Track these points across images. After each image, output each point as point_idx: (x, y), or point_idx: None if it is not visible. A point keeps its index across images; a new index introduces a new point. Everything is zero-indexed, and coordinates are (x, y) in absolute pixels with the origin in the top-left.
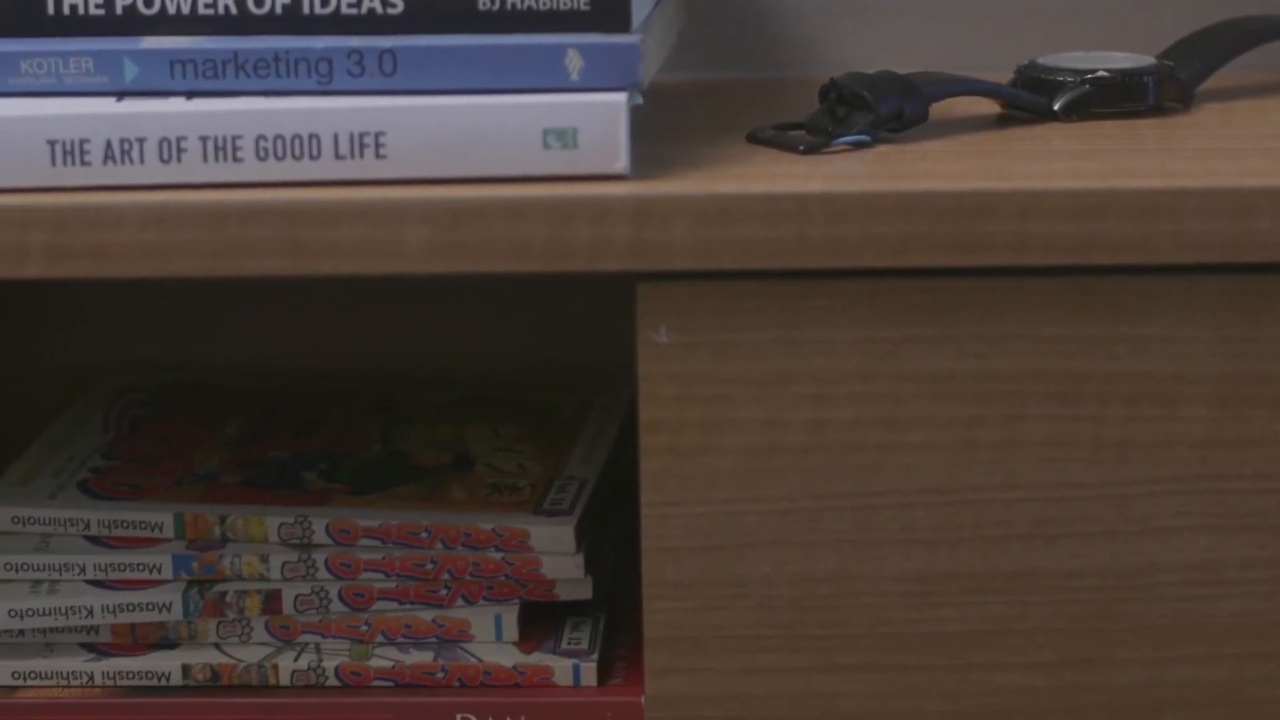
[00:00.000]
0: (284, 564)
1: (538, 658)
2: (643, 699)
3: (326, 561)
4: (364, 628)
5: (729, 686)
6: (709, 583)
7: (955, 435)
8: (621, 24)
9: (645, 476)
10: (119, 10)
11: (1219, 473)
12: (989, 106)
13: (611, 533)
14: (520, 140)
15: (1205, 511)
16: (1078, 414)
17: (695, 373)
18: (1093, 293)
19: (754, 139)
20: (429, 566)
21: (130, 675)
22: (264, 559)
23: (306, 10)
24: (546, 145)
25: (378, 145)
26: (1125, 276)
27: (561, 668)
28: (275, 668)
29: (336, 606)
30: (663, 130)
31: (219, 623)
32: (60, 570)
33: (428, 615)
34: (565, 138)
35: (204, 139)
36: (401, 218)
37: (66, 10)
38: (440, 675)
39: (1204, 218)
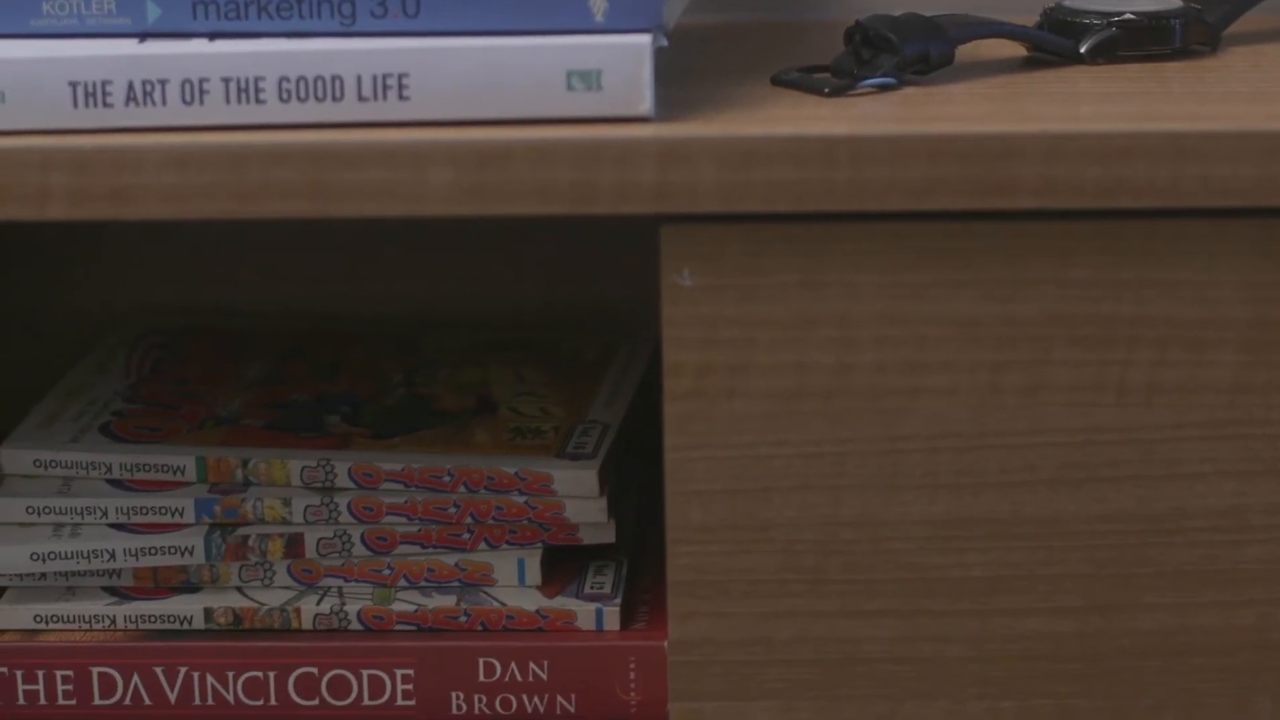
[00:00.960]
0: (306, 507)
1: (560, 602)
2: (666, 643)
3: (349, 505)
4: (386, 571)
5: (752, 631)
6: (733, 527)
7: (980, 380)
8: None
9: (669, 420)
10: None
11: (1246, 418)
12: (1015, 49)
13: (635, 477)
14: (544, 82)
15: (1232, 457)
16: (1104, 359)
17: (719, 316)
18: (1120, 237)
19: (779, 82)
20: (452, 510)
21: (152, 619)
22: (286, 502)
23: None
24: (570, 87)
25: (401, 87)
26: (1152, 220)
27: (584, 612)
28: (297, 611)
29: (359, 550)
30: (687, 73)
31: (241, 566)
32: (82, 513)
33: (450, 559)
34: (589, 79)
35: (226, 80)
36: (425, 160)
37: None
38: (463, 619)
39: (1232, 161)
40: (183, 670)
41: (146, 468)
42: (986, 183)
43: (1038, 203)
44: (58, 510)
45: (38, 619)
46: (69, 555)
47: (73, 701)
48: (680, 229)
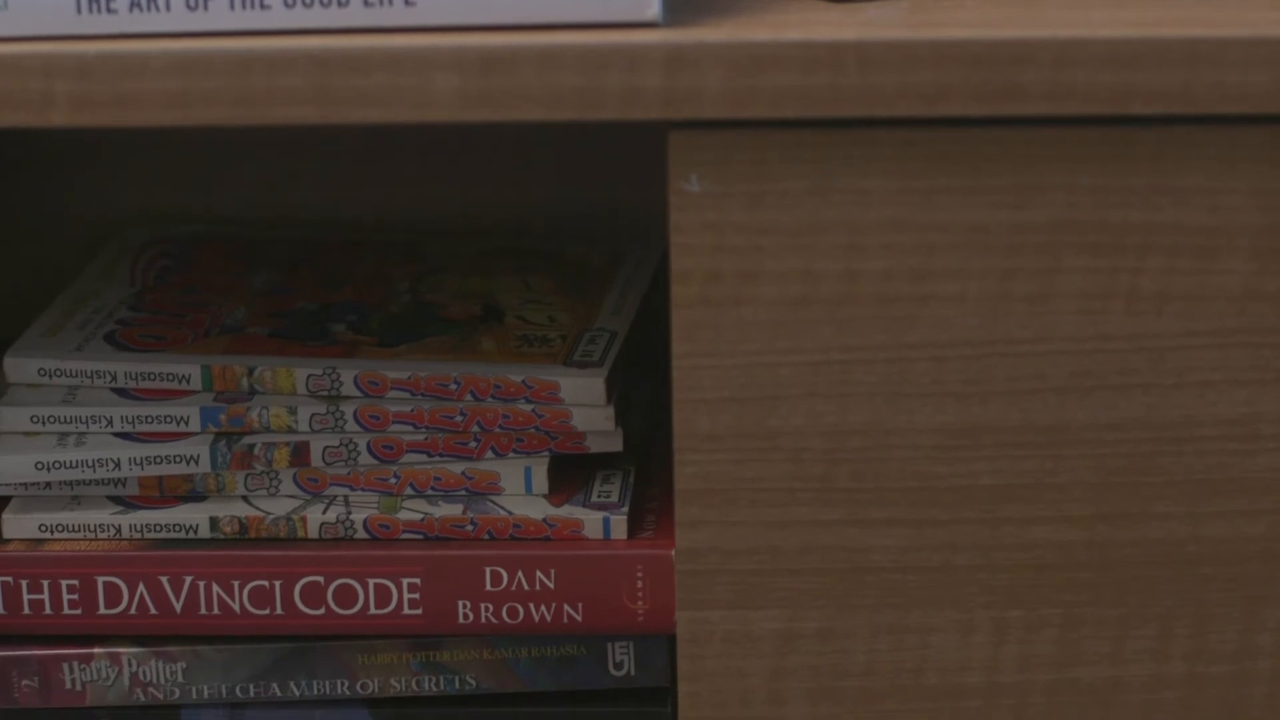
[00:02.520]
0: (312, 416)
1: (567, 510)
2: (673, 552)
3: (355, 413)
4: (393, 480)
5: (759, 539)
6: (740, 435)
7: (989, 287)
8: None
9: (676, 328)
10: None
11: (1257, 326)
12: None
13: (643, 385)
14: None
15: (1242, 365)
16: (1114, 266)
17: (727, 222)
18: (1131, 143)
19: None
20: (458, 419)
21: (158, 528)
22: (292, 411)
23: None
24: None
25: None
26: (1164, 127)
27: (591, 521)
28: (303, 520)
29: (365, 459)
30: None
31: (247, 475)
32: (87, 423)
33: (457, 468)
34: None
35: None
36: (431, 65)
37: None
38: (469, 528)
39: (1245, 68)
40: (188, 579)
41: (151, 376)
42: (996, 88)
43: (1048, 109)
44: (62, 419)
45: (43, 528)
46: (74, 464)
47: (78, 611)
48: (688, 135)
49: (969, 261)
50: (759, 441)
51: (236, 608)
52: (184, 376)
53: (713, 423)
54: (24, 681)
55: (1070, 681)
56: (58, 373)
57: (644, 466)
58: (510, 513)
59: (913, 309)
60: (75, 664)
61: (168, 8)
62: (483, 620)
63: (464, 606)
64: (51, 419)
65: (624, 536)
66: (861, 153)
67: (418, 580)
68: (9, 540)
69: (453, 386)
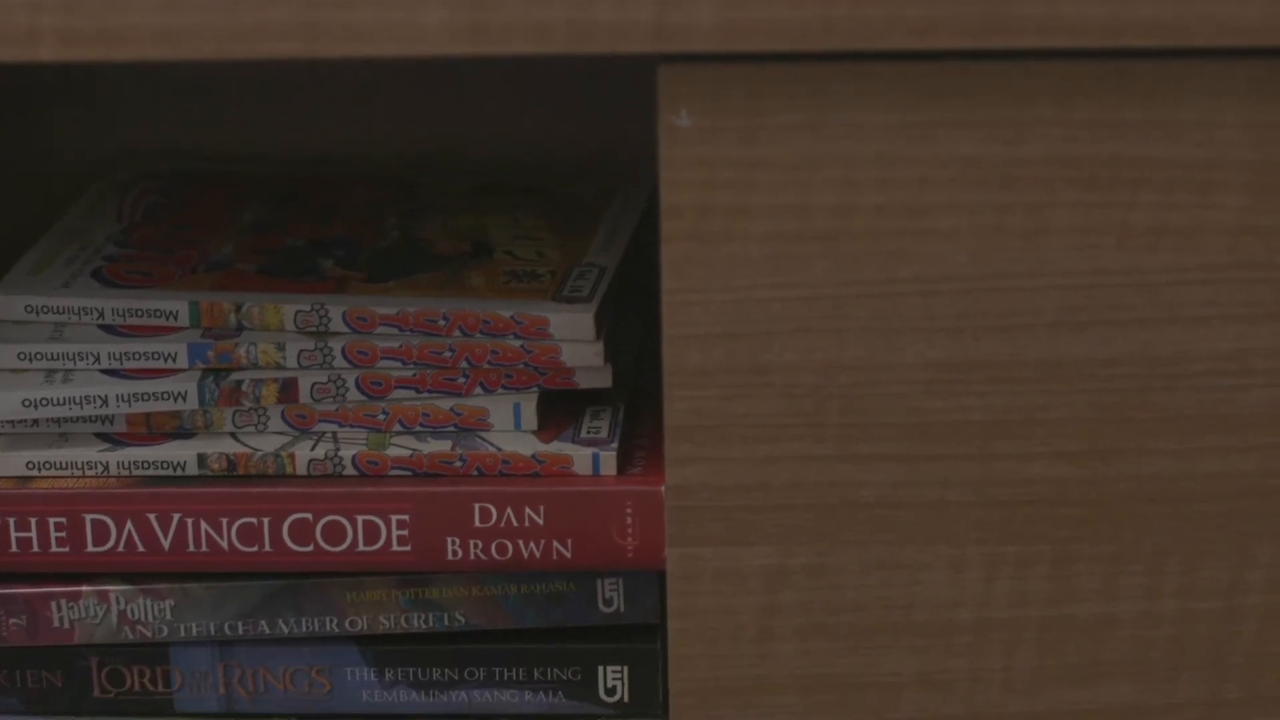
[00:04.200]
0: (300, 352)
1: (557, 446)
2: (663, 488)
3: (344, 349)
4: (381, 416)
5: (750, 475)
6: (731, 370)
7: (983, 221)
8: None
9: (667, 263)
10: None
11: (1250, 261)
12: None
13: (632, 321)
14: None
15: (1235, 300)
16: (1108, 200)
17: (718, 157)
18: (1124, 77)
19: None
20: (447, 354)
21: (145, 465)
22: (280, 347)
23: None
24: None
25: None
26: (1158, 60)
27: (581, 457)
28: (292, 457)
29: (354, 395)
30: None
31: (235, 411)
32: (74, 359)
33: (446, 404)
34: None
35: None
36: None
37: None
38: (458, 464)
39: (1239, 0)
40: (176, 517)
41: (139, 313)
42: (989, 21)
43: (1041, 42)
44: (49, 356)
45: (30, 465)
46: (61, 401)
47: (66, 549)
48: (678, 69)
49: (962, 196)
50: (750, 377)
51: (225, 545)
52: (171, 313)
53: (703, 358)
54: (11, 620)
55: (1062, 618)
56: (45, 309)
57: (634, 403)
58: (499, 449)
59: (906, 244)
60: (63, 602)
61: None
62: (471, 557)
63: (453, 543)
64: (38, 356)
65: (613, 473)
66: (855, 87)
67: (406, 517)
68: None
69: (441, 322)
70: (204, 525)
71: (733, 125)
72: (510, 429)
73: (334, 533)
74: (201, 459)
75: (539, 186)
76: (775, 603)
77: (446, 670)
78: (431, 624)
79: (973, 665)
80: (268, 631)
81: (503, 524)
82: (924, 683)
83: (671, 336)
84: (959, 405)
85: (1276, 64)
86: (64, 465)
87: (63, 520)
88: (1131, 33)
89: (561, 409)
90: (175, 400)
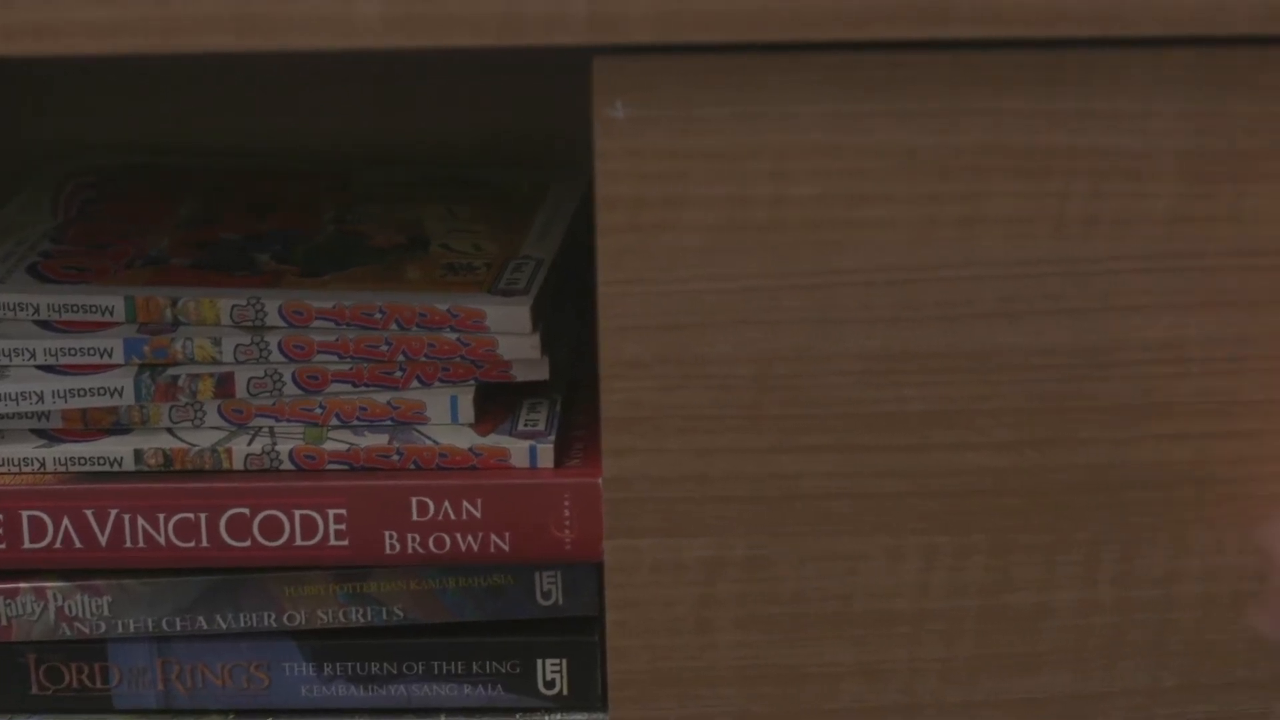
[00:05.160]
0: (237, 346)
1: (494, 439)
2: (600, 480)
3: (280, 344)
4: (318, 410)
5: (687, 466)
6: (669, 362)
7: (918, 212)
8: None
9: (602, 255)
10: None
11: (1184, 250)
12: None
13: (570, 313)
14: None
15: (1169, 288)
16: (1042, 190)
17: (653, 148)
18: (1058, 67)
19: None
20: (383, 348)
21: (82, 461)
22: (216, 342)
23: None
24: None
25: None
26: (1093, 49)
27: (518, 449)
28: (229, 452)
29: (290, 389)
30: None
31: (171, 407)
32: (10, 355)
33: (382, 397)
34: None
35: None
36: None
37: None
38: (395, 458)
39: None
40: (113, 513)
41: (74, 308)
42: (924, 11)
43: (977, 32)
44: None
45: None
46: None
47: (2, 546)
48: (613, 61)
49: (898, 186)
50: (687, 368)
51: (162, 540)
52: (107, 308)
53: (640, 349)
54: None
55: (1000, 607)
56: None
57: (571, 395)
58: (436, 442)
59: (842, 234)
60: (0, 599)
61: None
62: (409, 550)
63: (390, 537)
64: None
65: (550, 465)
66: (790, 78)
67: (343, 511)
68: None
69: (377, 315)
70: (141, 521)
71: (667, 116)
72: (447, 422)
73: (271, 528)
74: (138, 454)
75: (475, 179)
76: (714, 594)
77: (385, 664)
78: (370, 618)
79: (912, 655)
80: (206, 627)
81: (440, 517)
82: (863, 673)
83: (608, 328)
84: (896, 396)
85: (1211, 53)
86: (0, 462)
87: None
88: (1066, 22)
89: (499, 402)
90: (111, 396)
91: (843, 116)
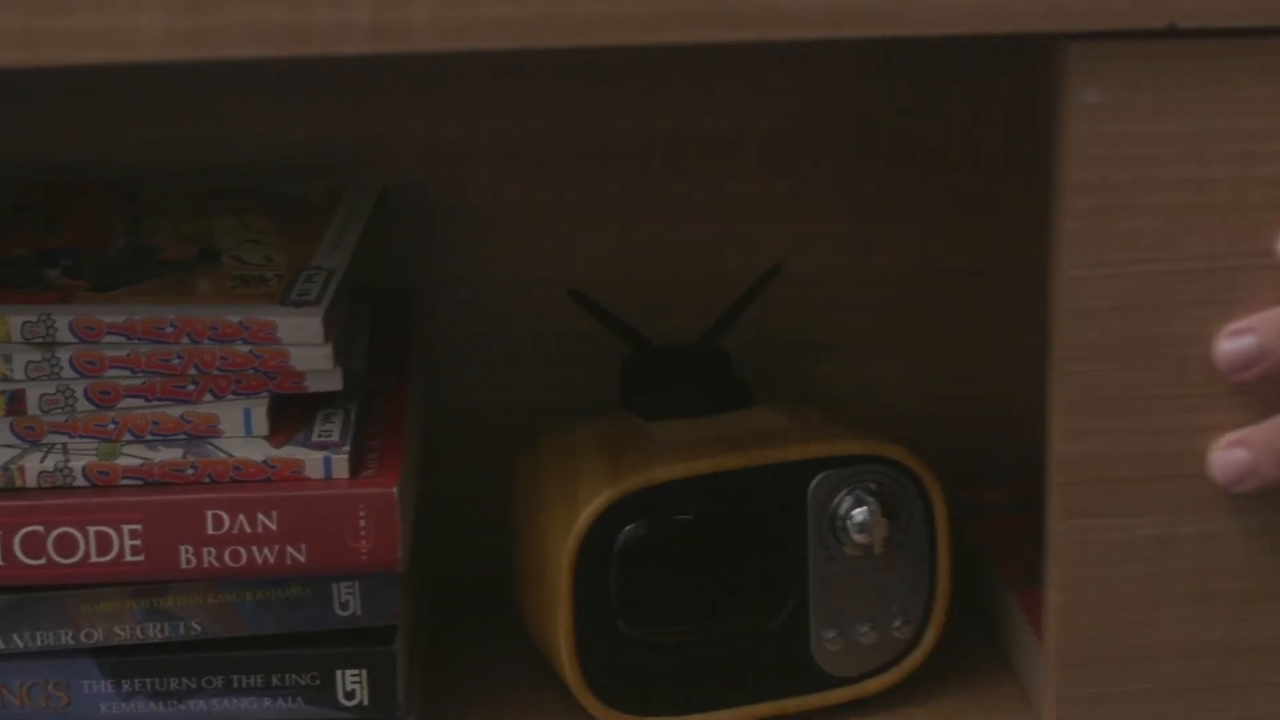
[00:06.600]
0: (28, 363)
1: (288, 451)
2: (395, 489)
3: (71, 359)
4: (111, 426)
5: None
6: (1125, 344)
7: None
8: None
9: (1065, 239)
10: None
11: None
12: None
13: (364, 322)
14: None
15: None
16: None
17: (1124, 133)
18: None
19: None
20: (176, 362)
21: None
22: (7, 359)
23: None
24: None
25: None
26: None
27: (312, 460)
28: (21, 470)
29: (83, 405)
30: None
31: None
32: None
33: (175, 411)
34: None
35: None
36: (136, 5)
37: None
38: (190, 472)
39: None
40: None
41: None
42: None
43: None
44: None
45: None
46: None
47: None
48: (1089, 47)
49: None
50: (1142, 350)
51: None
52: None
53: (1099, 332)
54: None
55: None
56: None
57: (366, 403)
58: (230, 455)
59: None
60: None
61: None
62: (205, 564)
63: (187, 551)
64: None
65: (346, 475)
66: (1251, 62)
67: (139, 526)
68: None
69: (169, 329)
70: None
71: (1139, 100)
72: (241, 435)
73: (66, 545)
74: None
75: (266, 189)
76: (1162, 572)
77: (184, 679)
78: (168, 633)
79: None
80: (2, 646)
81: (236, 530)
82: None
83: (1067, 312)
84: None
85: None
86: None
87: None
88: None
89: (294, 412)
90: None
91: None
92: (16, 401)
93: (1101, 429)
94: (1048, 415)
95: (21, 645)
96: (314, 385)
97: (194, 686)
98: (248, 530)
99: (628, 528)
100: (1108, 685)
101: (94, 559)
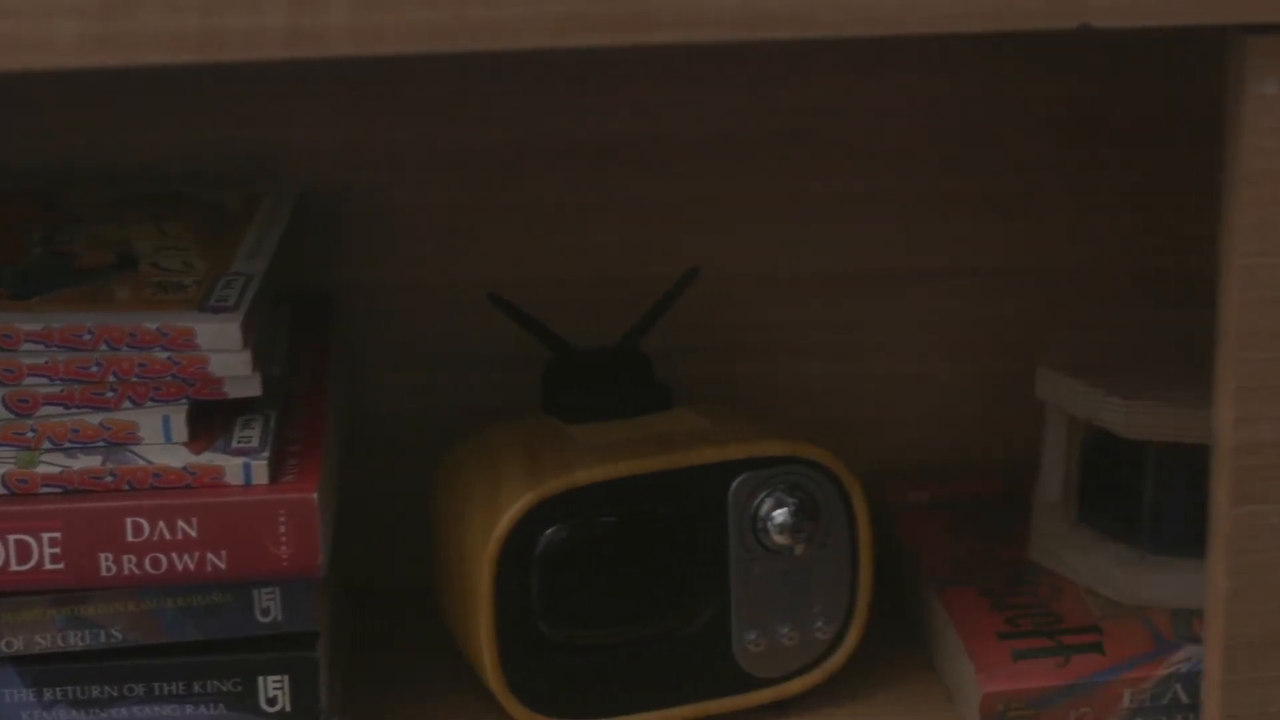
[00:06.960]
0: None
1: (208, 458)
2: (314, 495)
3: None
4: (29, 434)
5: None
6: None
7: None
8: None
9: (1241, 228)
10: None
11: None
12: None
13: (283, 328)
14: None
15: None
16: None
17: None
18: None
19: None
20: (94, 369)
21: None
22: None
23: None
24: None
25: None
26: None
27: (232, 467)
28: None
29: (1, 413)
30: None
31: None
32: None
33: (94, 419)
34: None
35: None
36: (51, 10)
37: None
38: (109, 479)
39: None
40: None
41: None
42: None
43: None
44: None
45: None
46: None
47: None
48: (1268, 40)
49: None
50: None
51: None
52: None
53: (1273, 321)
54: None
55: None
56: None
57: (286, 409)
58: (150, 462)
59: None
60: None
61: None
62: (126, 572)
63: (106, 559)
64: None
65: (265, 481)
66: None
67: (58, 534)
68: None
69: (87, 337)
70: None
71: None
72: (161, 442)
73: None
74: None
75: (184, 195)
76: None
77: (105, 687)
78: (89, 641)
79: None
80: None
81: (155, 538)
82: None
83: (1241, 300)
84: None
85: None
86: None
87: None
88: None
89: (214, 419)
90: None
91: None
92: None
93: (1273, 416)
94: (1215, 402)
95: None
96: (233, 391)
97: (116, 694)
98: (168, 537)
99: (549, 530)
100: (1275, 669)
101: (13, 567)
